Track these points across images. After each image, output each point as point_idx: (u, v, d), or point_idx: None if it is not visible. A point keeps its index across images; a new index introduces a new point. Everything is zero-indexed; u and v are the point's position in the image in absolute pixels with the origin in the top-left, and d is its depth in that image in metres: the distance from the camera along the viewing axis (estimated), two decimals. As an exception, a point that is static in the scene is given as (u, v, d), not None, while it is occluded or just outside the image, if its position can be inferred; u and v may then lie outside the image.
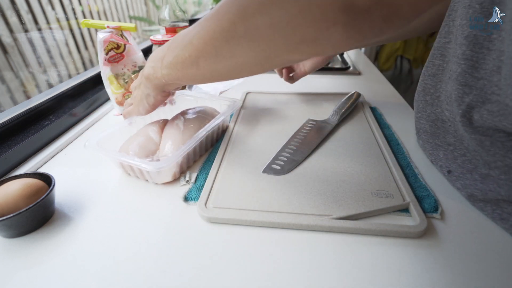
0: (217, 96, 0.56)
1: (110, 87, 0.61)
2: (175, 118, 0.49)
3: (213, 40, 0.31)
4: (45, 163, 0.47)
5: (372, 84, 0.77)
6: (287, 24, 0.27)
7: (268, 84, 0.77)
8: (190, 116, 0.49)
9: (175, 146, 0.43)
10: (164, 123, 0.49)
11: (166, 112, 0.55)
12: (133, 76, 0.64)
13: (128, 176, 0.43)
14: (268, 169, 0.42)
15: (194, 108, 0.52)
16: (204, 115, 0.50)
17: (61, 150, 0.51)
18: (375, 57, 3.12)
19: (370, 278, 0.28)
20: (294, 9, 0.26)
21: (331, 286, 0.28)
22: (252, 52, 0.30)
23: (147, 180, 0.42)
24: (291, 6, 0.26)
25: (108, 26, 0.60)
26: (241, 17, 0.29)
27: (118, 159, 0.40)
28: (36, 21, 0.90)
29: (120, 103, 0.61)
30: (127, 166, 0.41)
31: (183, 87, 0.70)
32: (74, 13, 1.08)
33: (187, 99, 0.58)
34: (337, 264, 0.30)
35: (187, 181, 0.41)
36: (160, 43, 0.66)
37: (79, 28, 1.08)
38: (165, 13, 0.71)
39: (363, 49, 2.92)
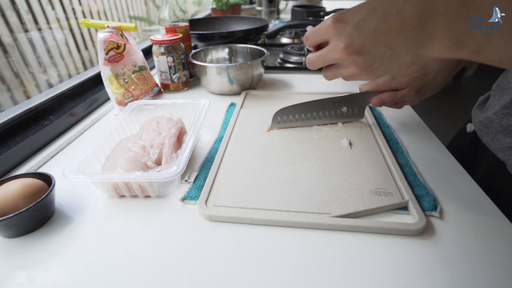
0: (177, 102, 0.53)
1: (110, 87, 0.61)
2: (147, 127, 0.46)
3: None
4: (45, 163, 0.48)
5: (371, 84, 0.77)
6: None
7: (268, 84, 0.77)
8: (163, 121, 0.46)
9: (171, 152, 0.41)
10: (139, 136, 0.45)
11: (130, 126, 0.50)
12: (133, 76, 0.64)
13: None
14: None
15: (158, 117, 0.48)
16: (172, 119, 0.47)
17: (61, 150, 0.51)
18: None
19: (369, 275, 0.28)
20: None
21: (330, 283, 0.28)
22: None
23: (148, 196, 0.39)
24: None
25: (108, 26, 0.60)
26: None
27: (121, 179, 0.36)
28: (36, 21, 0.90)
29: (120, 103, 0.61)
30: (122, 186, 0.37)
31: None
32: (74, 13, 1.08)
33: (147, 108, 0.53)
34: (336, 262, 0.30)
35: (186, 180, 0.41)
36: (160, 43, 0.66)
37: (79, 28, 1.08)
38: (165, 13, 0.71)
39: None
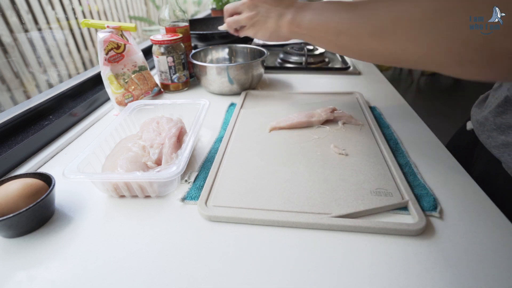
0: (177, 102, 0.53)
1: (110, 87, 0.61)
2: (147, 127, 0.46)
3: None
4: (45, 163, 0.48)
5: (372, 84, 0.77)
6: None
7: (268, 84, 0.77)
8: (163, 121, 0.46)
9: (171, 152, 0.41)
10: (139, 136, 0.45)
11: (130, 126, 0.50)
12: (133, 76, 0.64)
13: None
14: None
15: (158, 117, 0.48)
16: (172, 119, 0.47)
17: (61, 150, 0.51)
18: (375, 57, 3.12)
19: (369, 275, 0.28)
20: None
21: (330, 283, 0.28)
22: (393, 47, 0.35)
23: (148, 196, 0.39)
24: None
25: (108, 26, 0.60)
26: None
27: (121, 179, 0.36)
28: (36, 21, 0.90)
29: (120, 103, 0.61)
30: (122, 186, 0.37)
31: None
32: (74, 13, 1.09)
33: (147, 108, 0.53)
34: (336, 262, 0.30)
35: (186, 180, 0.41)
36: (160, 43, 0.66)
37: (79, 28, 1.08)
38: (165, 13, 0.71)
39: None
